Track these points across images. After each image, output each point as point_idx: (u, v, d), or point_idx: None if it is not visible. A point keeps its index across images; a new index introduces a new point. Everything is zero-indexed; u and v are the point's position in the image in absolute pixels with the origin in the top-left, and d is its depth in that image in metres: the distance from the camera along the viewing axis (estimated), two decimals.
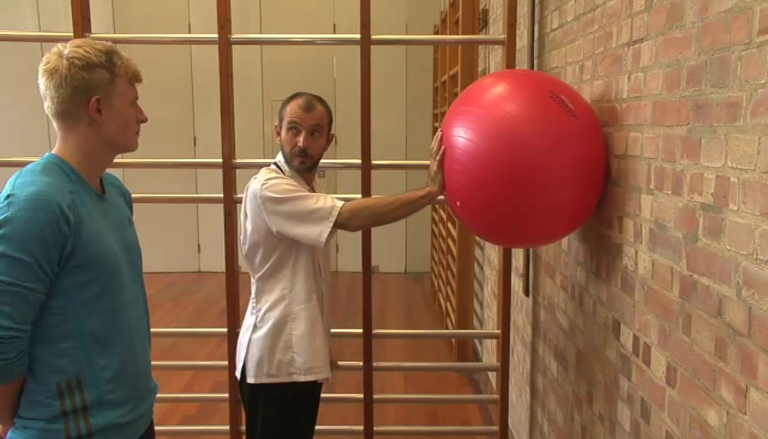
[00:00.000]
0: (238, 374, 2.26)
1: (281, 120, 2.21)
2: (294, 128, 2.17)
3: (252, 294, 2.25)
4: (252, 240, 2.16)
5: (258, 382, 2.18)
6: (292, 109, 2.19)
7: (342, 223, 2.06)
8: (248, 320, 2.26)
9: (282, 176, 2.17)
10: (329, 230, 2.04)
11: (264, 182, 2.10)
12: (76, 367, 1.48)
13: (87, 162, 1.54)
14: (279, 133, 2.22)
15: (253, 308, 2.24)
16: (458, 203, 1.99)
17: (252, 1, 7.38)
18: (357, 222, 2.10)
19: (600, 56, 1.99)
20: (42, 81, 1.50)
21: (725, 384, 1.26)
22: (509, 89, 1.91)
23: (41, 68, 1.50)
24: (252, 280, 2.25)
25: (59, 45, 1.53)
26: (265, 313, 2.20)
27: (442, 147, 2.01)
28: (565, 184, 1.81)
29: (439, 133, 2.05)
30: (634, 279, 1.70)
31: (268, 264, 2.18)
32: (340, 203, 2.07)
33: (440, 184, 2.04)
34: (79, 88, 1.48)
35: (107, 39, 2.07)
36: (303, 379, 2.19)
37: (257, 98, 7.54)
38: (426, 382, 4.41)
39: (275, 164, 2.26)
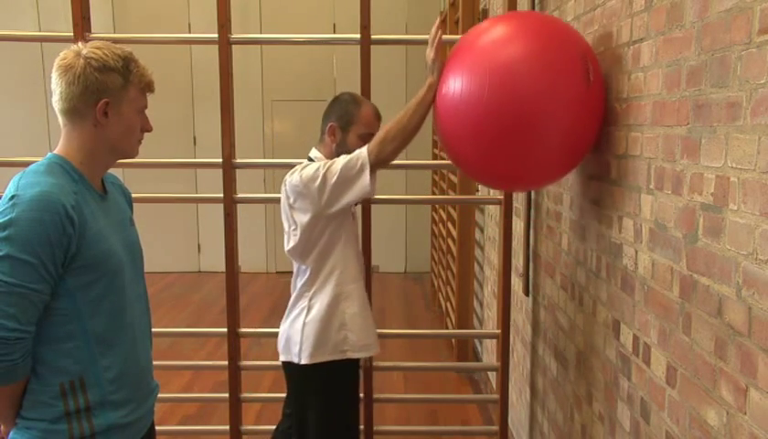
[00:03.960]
0: (294, 358, 2.28)
1: (347, 123, 2.26)
2: (370, 137, 2.24)
3: (302, 283, 2.30)
4: (302, 227, 2.20)
5: (313, 362, 2.24)
6: (369, 119, 2.27)
7: (374, 162, 2.10)
8: (297, 305, 2.31)
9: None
10: (368, 174, 2.09)
11: (302, 170, 2.18)
12: (79, 367, 1.48)
13: (89, 162, 1.54)
14: (335, 133, 2.27)
15: (304, 293, 2.29)
16: (448, 91, 1.98)
17: (252, 1, 7.39)
18: (387, 149, 2.10)
19: (600, 55, 1.99)
20: (55, 76, 1.51)
21: (725, 384, 1.26)
22: (533, 42, 1.85)
23: (57, 63, 1.51)
24: (300, 269, 2.31)
25: (79, 44, 1.54)
26: (316, 294, 2.26)
27: (439, 33, 2.03)
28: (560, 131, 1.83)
29: (438, 21, 2.07)
30: (634, 279, 1.70)
31: (318, 248, 2.23)
32: (363, 150, 2.12)
33: (438, 72, 2.03)
34: (90, 88, 1.49)
35: (107, 39, 2.07)
36: (357, 355, 2.29)
37: (257, 98, 7.54)
38: (426, 382, 4.41)
39: (309, 159, 2.32)
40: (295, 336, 2.28)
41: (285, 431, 2.51)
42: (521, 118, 1.79)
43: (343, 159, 2.13)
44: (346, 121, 2.26)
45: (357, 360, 2.35)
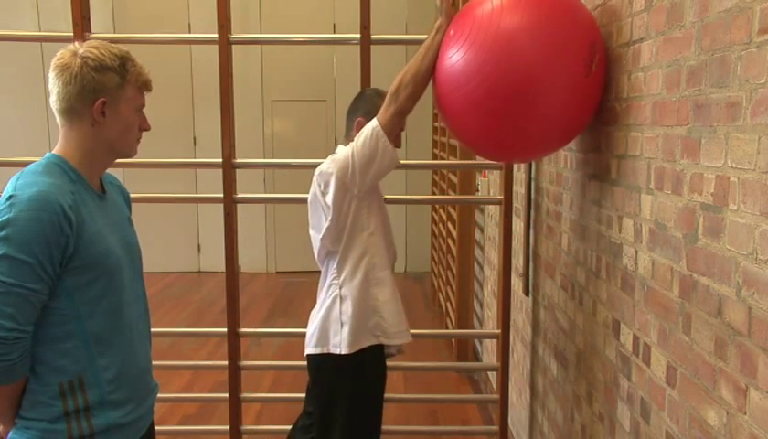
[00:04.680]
0: (334, 349, 2.25)
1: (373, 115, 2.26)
2: (401, 130, 2.25)
3: (331, 271, 2.29)
4: (333, 206, 2.20)
5: (353, 351, 2.23)
6: None
7: (393, 114, 2.10)
8: (329, 295, 2.28)
9: None
10: (386, 140, 2.11)
11: (333, 157, 2.21)
12: (78, 367, 1.48)
13: (87, 161, 1.54)
14: (362, 125, 2.26)
15: (333, 282, 2.28)
16: (451, 32, 1.97)
17: (252, 1, 7.39)
18: (402, 97, 2.09)
19: None
20: (52, 76, 1.51)
21: (725, 384, 1.26)
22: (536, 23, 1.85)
23: (53, 62, 1.51)
24: (330, 262, 2.29)
25: (75, 43, 1.54)
26: (346, 281, 2.25)
27: None
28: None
29: None
30: (634, 279, 1.70)
31: (348, 229, 2.23)
32: (372, 121, 2.13)
33: (446, 13, 2.04)
34: (87, 87, 1.49)
35: (107, 39, 2.07)
36: (389, 342, 2.29)
37: (257, 98, 7.54)
38: (426, 382, 4.41)
39: None
40: (335, 325, 2.26)
41: (305, 427, 2.49)
42: (518, 86, 1.79)
43: (358, 140, 2.14)
44: (374, 115, 2.24)
45: (384, 354, 2.34)
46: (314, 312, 2.36)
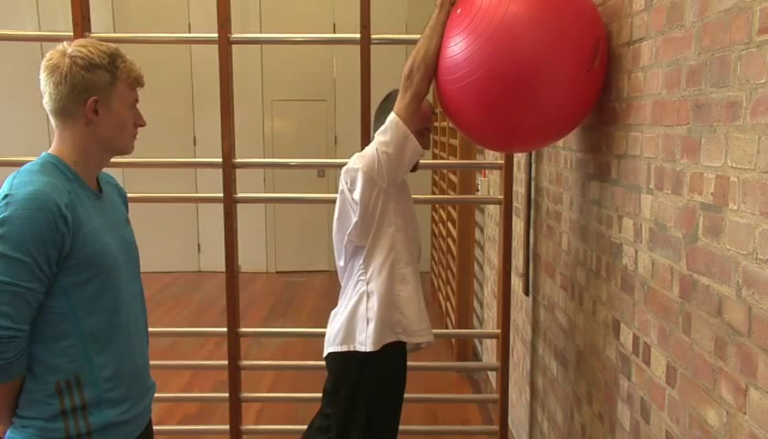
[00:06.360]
0: (359, 346, 2.23)
1: None
2: (427, 131, 2.25)
3: (357, 268, 2.27)
4: (361, 201, 2.19)
5: (377, 348, 2.21)
6: (426, 113, 2.24)
7: (406, 106, 2.10)
8: (356, 291, 2.26)
9: None
10: (406, 129, 2.10)
11: (359, 156, 2.22)
12: (75, 366, 1.48)
13: (83, 161, 1.54)
14: None
15: (360, 278, 2.26)
16: (458, 10, 1.98)
17: (252, 1, 7.39)
18: (416, 80, 2.09)
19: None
20: (42, 77, 1.50)
21: (725, 384, 1.26)
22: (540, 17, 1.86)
23: (43, 64, 1.51)
24: (356, 261, 2.28)
25: (64, 43, 1.54)
26: (373, 277, 2.23)
27: None
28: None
29: None
30: (634, 278, 1.70)
31: (375, 225, 2.22)
32: (390, 115, 2.13)
33: None
34: (78, 87, 1.48)
35: (107, 39, 2.07)
36: (409, 339, 2.27)
37: (257, 98, 7.54)
38: (426, 382, 4.40)
39: None
40: (361, 322, 2.24)
41: (322, 428, 2.47)
42: (519, 74, 1.79)
43: (379, 134, 2.14)
44: None
45: (405, 354, 2.32)
46: (336, 311, 2.34)
